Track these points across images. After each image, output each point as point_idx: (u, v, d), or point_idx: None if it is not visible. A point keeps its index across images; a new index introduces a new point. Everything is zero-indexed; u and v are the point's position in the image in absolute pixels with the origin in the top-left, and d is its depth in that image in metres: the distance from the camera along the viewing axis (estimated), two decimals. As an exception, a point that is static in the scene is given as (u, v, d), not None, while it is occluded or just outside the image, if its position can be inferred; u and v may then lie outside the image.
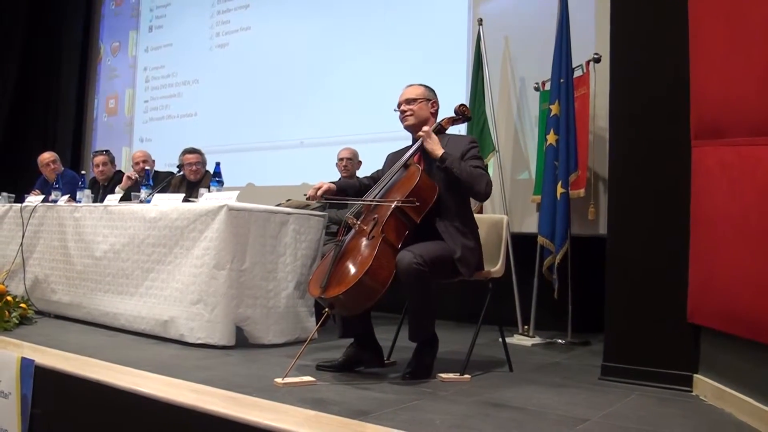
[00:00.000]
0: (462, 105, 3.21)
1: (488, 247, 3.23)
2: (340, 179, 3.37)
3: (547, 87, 4.48)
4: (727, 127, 2.43)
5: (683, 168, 2.73)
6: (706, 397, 2.61)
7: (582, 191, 4.24)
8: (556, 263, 4.05)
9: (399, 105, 3.20)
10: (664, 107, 2.86)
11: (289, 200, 4.19)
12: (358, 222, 2.89)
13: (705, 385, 2.63)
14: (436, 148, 3.00)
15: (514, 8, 5.04)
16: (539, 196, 4.37)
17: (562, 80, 4.18)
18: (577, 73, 4.33)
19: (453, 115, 3.21)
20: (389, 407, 2.34)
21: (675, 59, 2.80)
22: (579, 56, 4.28)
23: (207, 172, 5.03)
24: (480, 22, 4.81)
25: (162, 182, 4.80)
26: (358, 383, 2.75)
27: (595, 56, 4.22)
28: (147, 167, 5.12)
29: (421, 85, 3.24)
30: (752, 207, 2.26)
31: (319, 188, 3.06)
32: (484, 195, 3.00)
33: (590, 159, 4.30)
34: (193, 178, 5.02)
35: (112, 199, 4.26)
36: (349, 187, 3.18)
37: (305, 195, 3.13)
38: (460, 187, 2.97)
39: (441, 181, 2.98)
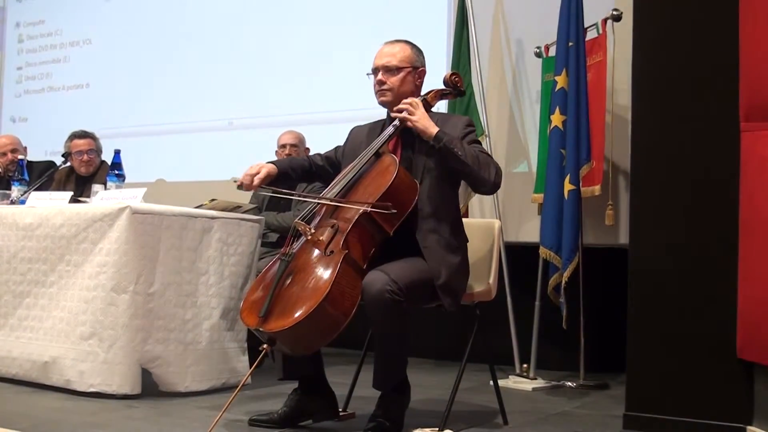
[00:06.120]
0: (454, 74, 3.18)
1: (476, 261, 3.21)
2: (279, 160, 3.30)
3: (552, 52, 4.51)
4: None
5: (729, 159, 2.74)
6: (762, 455, 2.63)
7: (597, 188, 4.27)
8: (564, 282, 4.07)
9: (374, 71, 3.09)
10: (704, 79, 2.87)
11: (213, 200, 4.14)
12: (311, 229, 2.85)
13: (761, 440, 2.65)
14: (428, 125, 2.90)
15: (508, -51, 5.07)
16: (541, 195, 4.38)
17: (571, 44, 4.20)
18: (591, 35, 4.36)
19: (442, 87, 3.17)
20: (347, 475, 2.32)
21: (719, 16, 2.82)
22: (594, 13, 4.31)
23: (103, 162, 4.98)
24: (464, -33, 4.83)
25: (41, 176, 4.72)
26: (306, 443, 2.73)
27: (615, 13, 4.23)
28: (20, 157, 5.01)
29: (406, 43, 3.13)
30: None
31: (256, 173, 3.02)
32: (492, 186, 2.95)
33: (607, 146, 4.34)
34: (84, 170, 4.97)
35: (-28, 200, 4.17)
36: (295, 169, 3.16)
37: (235, 181, 3.07)
38: (459, 177, 2.96)
39: (427, 175, 2.94)
